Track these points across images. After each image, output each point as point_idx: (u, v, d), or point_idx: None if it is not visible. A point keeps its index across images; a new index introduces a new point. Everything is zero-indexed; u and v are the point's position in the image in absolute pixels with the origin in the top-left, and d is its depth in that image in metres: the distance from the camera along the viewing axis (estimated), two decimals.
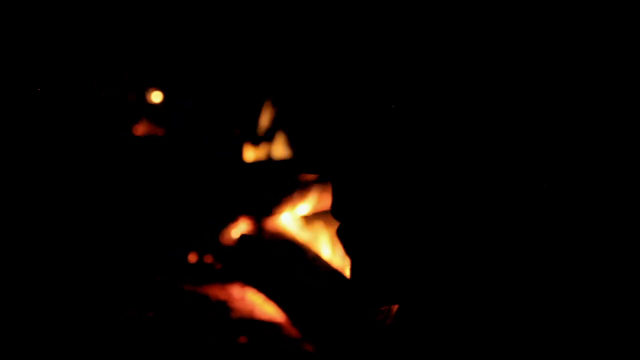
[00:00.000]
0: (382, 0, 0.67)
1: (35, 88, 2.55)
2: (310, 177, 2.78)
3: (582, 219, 0.65)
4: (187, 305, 2.45)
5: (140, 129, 2.95)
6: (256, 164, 2.90)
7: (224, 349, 2.30)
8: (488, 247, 0.65)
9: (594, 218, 0.65)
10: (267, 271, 2.62)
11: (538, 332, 0.66)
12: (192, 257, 2.69)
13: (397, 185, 0.67)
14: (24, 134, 2.53)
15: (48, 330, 2.22)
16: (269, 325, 2.49)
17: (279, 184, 2.79)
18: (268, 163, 2.89)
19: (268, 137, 2.95)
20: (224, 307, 2.54)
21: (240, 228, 2.75)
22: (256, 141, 2.95)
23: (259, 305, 2.57)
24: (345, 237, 0.71)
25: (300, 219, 2.80)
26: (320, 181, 2.78)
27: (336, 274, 2.59)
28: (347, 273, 2.64)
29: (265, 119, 2.93)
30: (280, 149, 2.94)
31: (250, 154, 2.94)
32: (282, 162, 2.88)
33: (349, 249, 0.72)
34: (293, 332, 2.46)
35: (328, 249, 2.74)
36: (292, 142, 2.92)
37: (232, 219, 2.74)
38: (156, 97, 3.02)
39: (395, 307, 0.77)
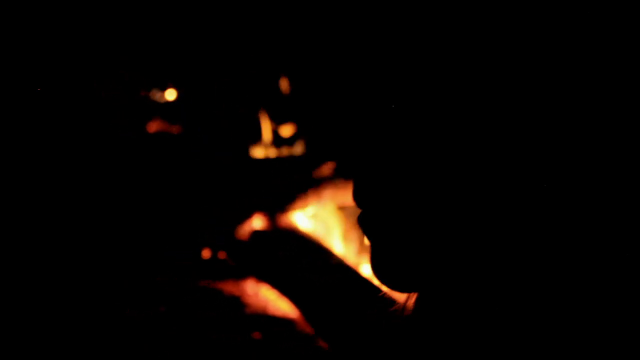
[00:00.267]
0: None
1: (35, 88, 2.55)
2: (324, 173, 2.79)
3: (582, 219, 0.65)
4: (187, 305, 2.45)
5: (153, 127, 2.96)
6: (270, 161, 2.91)
7: (223, 349, 2.30)
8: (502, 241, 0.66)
9: (594, 218, 0.65)
10: (281, 267, 2.63)
11: (539, 332, 0.66)
12: (206, 253, 2.69)
13: (416, 175, 0.67)
14: (24, 134, 2.53)
15: (48, 330, 2.22)
16: (283, 322, 2.49)
17: (292, 181, 2.80)
18: (282, 159, 2.90)
19: (282, 134, 2.96)
20: (237, 303, 2.55)
21: (253, 224, 2.75)
22: (269, 137, 2.95)
23: (273, 301, 2.58)
24: (366, 225, 0.71)
25: (314, 216, 2.81)
26: (334, 178, 2.79)
27: (350, 270, 2.60)
28: (361, 270, 2.65)
29: (278, 115, 2.94)
30: (294, 146, 2.95)
31: (264, 150, 2.95)
32: (295, 158, 2.89)
33: (370, 237, 0.72)
34: (307, 328, 2.46)
35: (342, 245, 2.75)
36: (305, 138, 2.93)
37: (246, 215, 2.75)
38: (170, 94, 3.03)
39: (414, 298, 0.77)
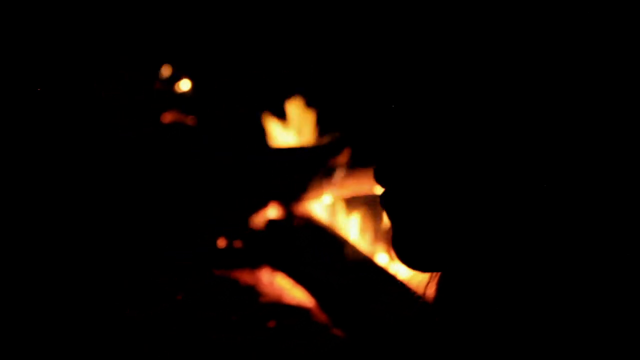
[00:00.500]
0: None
1: (35, 88, 2.55)
2: (339, 163, 2.80)
3: (582, 219, 0.65)
4: (187, 305, 2.46)
5: (168, 117, 2.97)
6: (285, 151, 2.91)
7: (223, 349, 2.30)
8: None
9: (595, 218, 0.65)
10: (296, 256, 2.63)
11: (540, 331, 0.66)
12: (222, 242, 2.70)
13: (441, 157, 0.67)
14: (24, 134, 2.53)
15: (48, 330, 2.22)
16: (298, 310, 2.50)
17: (308, 170, 2.81)
18: (297, 149, 2.91)
19: (296, 124, 2.96)
20: (252, 292, 2.56)
21: (269, 214, 2.76)
22: (285, 128, 2.96)
23: (288, 290, 2.58)
24: (388, 205, 0.71)
25: (328, 205, 2.82)
26: (349, 167, 2.80)
27: (365, 259, 2.60)
28: (375, 259, 2.65)
29: (293, 106, 2.94)
30: (308, 136, 2.95)
31: (279, 140, 2.95)
32: (310, 149, 2.90)
33: (391, 217, 0.72)
34: (322, 317, 2.47)
35: (357, 234, 2.76)
36: (320, 128, 2.94)
37: (262, 204, 2.76)
38: (185, 85, 3.04)
39: (433, 288, 0.77)
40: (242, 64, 3.03)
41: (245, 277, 2.61)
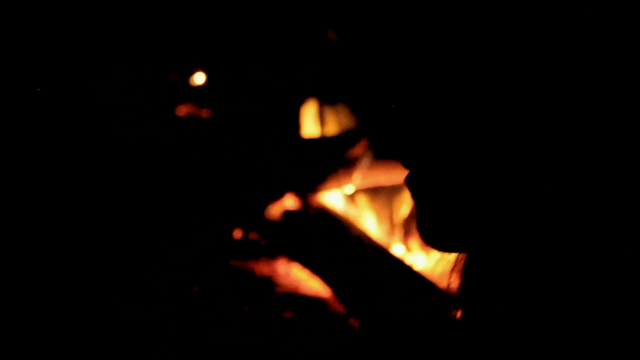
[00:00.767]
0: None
1: (35, 88, 2.55)
2: (356, 153, 2.80)
3: (583, 219, 0.66)
4: (187, 305, 2.46)
5: (183, 110, 2.97)
6: (302, 141, 2.91)
7: (223, 349, 2.30)
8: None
9: (595, 218, 0.66)
10: (313, 247, 2.63)
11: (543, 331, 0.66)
12: (238, 233, 2.70)
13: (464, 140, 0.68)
14: (24, 134, 2.53)
15: (48, 330, 2.22)
16: (314, 301, 2.50)
17: (324, 161, 2.81)
18: (314, 140, 2.91)
19: (314, 115, 2.96)
20: (269, 283, 2.56)
21: (285, 204, 2.76)
22: (303, 119, 2.96)
23: (304, 281, 2.59)
24: (413, 186, 0.72)
25: (345, 196, 2.82)
26: (366, 158, 2.80)
27: (381, 250, 2.60)
28: (392, 250, 2.66)
29: (311, 98, 2.94)
30: (326, 126, 2.95)
31: (297, 131, 2.95)
32: (328, 139, 2.90)
33: (416, 198, 0.72)
34: (338, 307, 2.47)
35: (373, 225, 2.76)
36: (337, 119, 2.94)
37: (278, 195, 2.76)
38: (199, 78, 3.04)
39: (456, 280, 0.77)
40: (257, 56, 3.02)
41: (261, 268, 2.62)
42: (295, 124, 2.95)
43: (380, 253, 2.60)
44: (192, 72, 3.03)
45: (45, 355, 2.16)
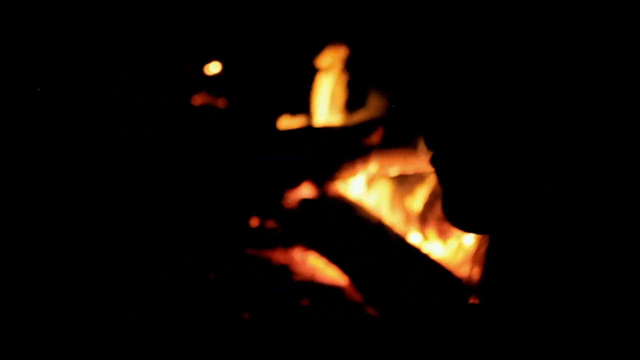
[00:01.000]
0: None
1: (35, 88, 2.55)
2: (373, 142, 2.80)
3: (586, 218, 0.66)
4: (187, 305, 2.46)
5: (199, 100, 2.97)
6: (319, 130, 2.91)
7: (223, 349, 2.30)
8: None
9: (598, 217, 0.66)
10: (329, 235, 2.63)
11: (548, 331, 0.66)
12: (254, 222, 2.70)
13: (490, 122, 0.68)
14: (24, 134, 2.53)
15: (48, 330, 2.22)
16: (331, 289, 2.50)
17: (341, 149, 2.81)
18: (330, 128, 2.91)
19: (331, 104, 2.96)
20: (285, 271, 2.56)
21: (302, 193, 2.76)
22: (319, 108, 2.96)
23: (321, 269, 2.59)
24: (438, 166, 0.72)
25: (362, 184, 2.82)
26: (382, 146, 2.80)
27: (398, 238, 2.60)
28: (408, 238, 2.66)
29: (326, 86, 2.94)
30: (342, 115, 2.96)
31: (314, 120, 2.95)
32: (344, 128, 2.90)
33: (441, 178, 0.72)
34: (355, 296, 2.47)
35: (390, 213, 2.76)
36: (354, 107, 2.94)
37: (295, 183, 2.76)
38: (215, 67, 3.04)
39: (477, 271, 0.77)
40: (271, 44, 3.02)
41: (278, 256, 2.62)
42: (309, 114, 2.95)
43: (397, 241, 2.60)
44: (191, 73, 3.03)
45: (46, 355, 2.16)
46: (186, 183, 2.77)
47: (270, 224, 2.71)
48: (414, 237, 2.70)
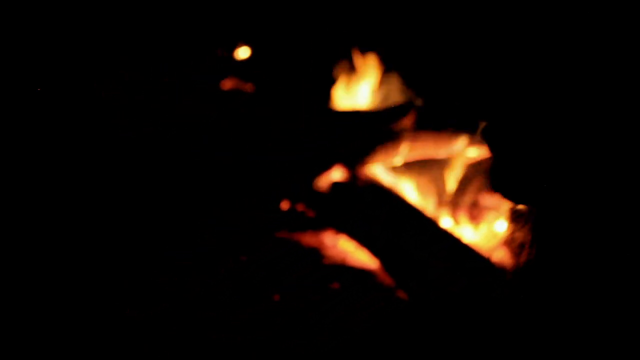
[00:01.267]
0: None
1: (35, 88, 2.55)
2: (405, 126, 2.79)
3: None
4: (187, 305, 2.46)
5: (228, 84, 2.97)
6: (350, 113, 2.91)
7: (223, 349, 2.30)
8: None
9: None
10: (360, 219, 2.63)
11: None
12: (285, 205, 2.70)
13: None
14: (24, 134, 2.52)
15: (48, 330, 2.22)
16: (362, 273, 2.51)
17: (372, 133, 2.81)
18: (362, 112, 2.91)
19: (362, 87, 2.96)
20: (316, 254, 2.56)
21: (333, 176, 2.76)
22: (350, 90, 2.96)
23: (351, 252, 2.59)
24: (490, 137, 0.72)
25: (393, 168, 2.82)
26: (415, 130, 2.80)
27: (429, 222, 2.60)
28: (440, 222, 2.66)
29: (361, 69, 2.94)
30: (375, 98, 2.96)
31: (345, 103, 2.95)
32: (376, 112, 2.90)
33: (493, 149, 0.73)
34: (386, 279, 2.47)
35: (421, 197, 2.76)
36: (386, 90, 2.94)
37: (326, 167, 2.76)
38: (244, 52, 3.04)
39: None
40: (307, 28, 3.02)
41: (308, 239, 2.62)
42: (344, 96, 2.95)
43: (428, 226, 2.60)
44: (192, 71, 3.03)
45: (46, 355, 2.16)
46: (186, 183, 2.77)
47: (301, 207, 2.71)
48: (445, 222, 2.70)
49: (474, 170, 2.77)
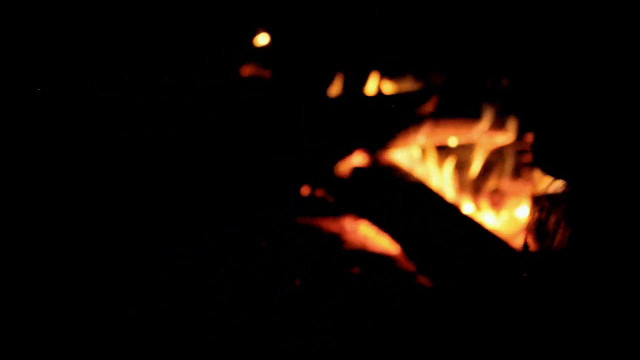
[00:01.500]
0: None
1: (35, 88, 2.55)
2: (426, 111, 2.79)
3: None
4: (187, 305, 2.45)
5: (247, 71, 2.96)
6: (371, 98, 2.91)
7: (223, 349, 2.30)
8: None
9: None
10: (381, 204, 2.63)
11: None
12: (305, 190, 2.70)
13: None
14: (24, 134, 2.52)
15: (48, 330, 2.22)
16: (382, 258, 2.50)
17: (394, 118, 2.80)
18: (384, 97, 2.90)
19: (384, 72, 2.95)
20: (336, 240, 2.56)
21: (354, 161, 2.76)
22: (372, 76, 2.95)
23: (372, 238, 2.58)
24: (530, 115, 0.72)
25: (415, 153, 2.82)
26: (436, 116, 2.79)
27: (451, 208, 2.60)
28: (461, 207, 2.65)
29: (382, 56, 2.94)
30: (395, 83, 2.95)
31: (367, 88, 2.95)
32: (397, 96, 2.89)
33: (534, 127, 0.73)
34: (407, 265, 2.46)
35: (443, 183, 2.76)
36: (408, 76, 2.93)
37: (347, 152, 2.76)
38: (263, 39, 3.03)
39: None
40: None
41: (329, 224, 2.62)
42: (367, 81, 2.94)
43: (449, 211, 2.59)
44: (192, 71, 3.03)
45: (46, 355, 2.16)
46: (186, 183, 2.77)
47: (321, 192, 2.71)
48: (467, 207, 2.70)
49: (496, 156, 2.77)
